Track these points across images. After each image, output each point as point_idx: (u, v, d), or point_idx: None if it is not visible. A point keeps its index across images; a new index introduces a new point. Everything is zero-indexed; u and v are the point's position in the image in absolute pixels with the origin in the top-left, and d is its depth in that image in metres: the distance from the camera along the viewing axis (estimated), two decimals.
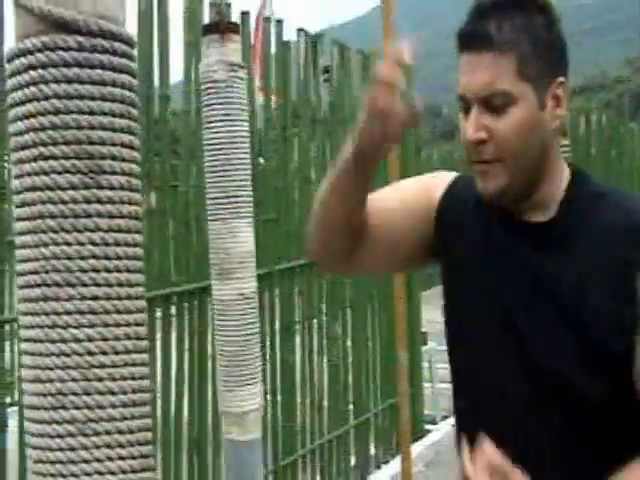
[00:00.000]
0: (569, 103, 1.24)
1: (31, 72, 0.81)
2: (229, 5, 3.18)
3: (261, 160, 3.72)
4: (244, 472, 2.06)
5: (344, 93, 4.39)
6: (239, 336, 2.05)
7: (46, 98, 0.81)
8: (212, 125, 2.06)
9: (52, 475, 0.80)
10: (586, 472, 1.18)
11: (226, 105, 2.02)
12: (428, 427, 5.20)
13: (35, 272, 0.82)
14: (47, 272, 0.81)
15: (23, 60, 0.82)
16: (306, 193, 3.92)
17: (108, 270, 0.82)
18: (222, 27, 2.05)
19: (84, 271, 0.81)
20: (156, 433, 2.92)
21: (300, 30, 3.91)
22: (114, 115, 0.82)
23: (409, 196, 1.37)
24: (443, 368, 5.75)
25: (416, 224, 1.34)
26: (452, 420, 4.83)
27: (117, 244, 0.83)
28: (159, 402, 2.99)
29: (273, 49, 3.74)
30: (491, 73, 1.19)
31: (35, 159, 0.81)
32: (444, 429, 5.14)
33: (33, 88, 0.81)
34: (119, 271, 0.83)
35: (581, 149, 9.27)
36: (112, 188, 0.82)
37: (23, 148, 0.82)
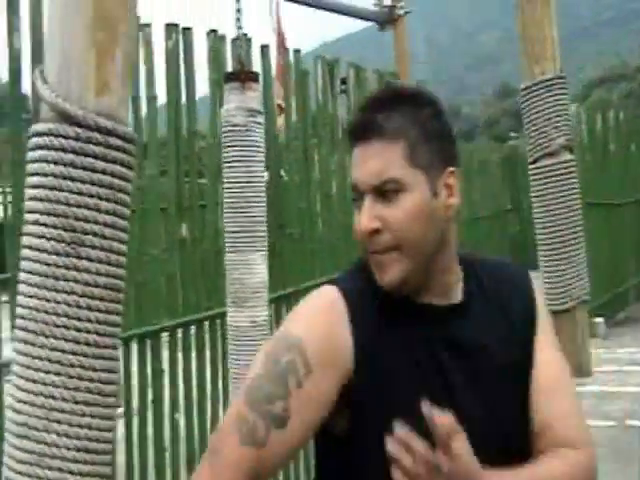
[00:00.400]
0: (459, 192, 1.23)
1: (39, 151, 1.00)
2: (249, 40, 3.39)
3: (283, 174, 3.90)
4: None
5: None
6: (250, 361, 2.23)
7: (46, 175, 0.98)
8: (231, 165, 2.25)
9: None
10: None
11: (244, 147, 2.21)
12: None
13: (21, 317, 0.99)
14: (29, 319, 0.97)
15: (36, 139, 1.01)
16: (327, 208, 4.12)
17: (78, 330, 0.96)
18: (242, 76, 2.23)
19: (56, 326, 0.96)
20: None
21: (318, 57, 4.11)
22: (100, 198, 0.98)
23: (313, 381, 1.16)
24: None
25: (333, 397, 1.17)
26: None
27: (89, 308, 0.97)
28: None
29: (293, 76, 3.95)
30: (382, 161, 1.18)
31: (34, 223, 0.99)
32: None
33: (39, 164, 1.00)
34: (88, 332, 0.97)
35: (599, 145, 9.35)
36: (90, 260, 0.97)
37: (28, 212, 1.00)
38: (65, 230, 0.97)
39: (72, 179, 0.98)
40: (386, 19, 2.98)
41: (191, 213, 3.33)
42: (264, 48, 3.68)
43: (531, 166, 2.14)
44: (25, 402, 0.96)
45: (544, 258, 2.15)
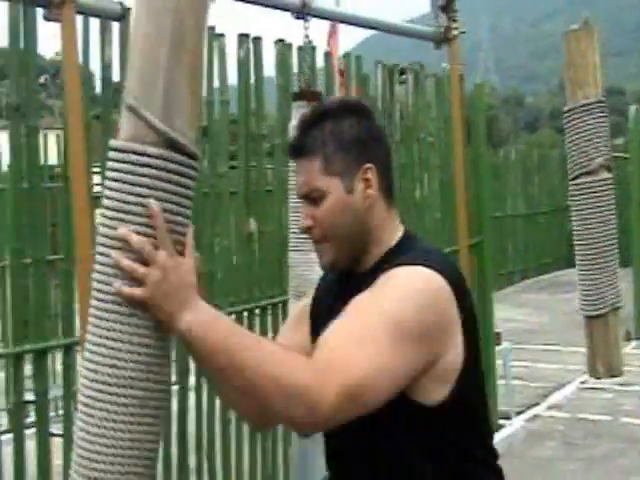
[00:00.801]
0: (383, 181, 1.49)
1: (120, 164, 1.26)
2: (314, 49, 3.63)
3: None
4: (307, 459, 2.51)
5: (419, 116, 4.78)
6: None
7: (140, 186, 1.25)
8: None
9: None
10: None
11: None
12: (502, 422, 5.53)
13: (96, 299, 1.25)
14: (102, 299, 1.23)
15: (117, 154, 1.27)
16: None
17: None
18: (308, 95, 2.47)
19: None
20: None
21: (378, 62, 4.33)
22: (172, 202, 1.25)
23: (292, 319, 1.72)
24: (516, 366, 6.08)
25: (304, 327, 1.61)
26: (526, 415, 5.19)
27: None
28: None
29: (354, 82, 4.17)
30: (304, 176, 1.50)
31: (111, 218, 1.25)
32: (518, 423, 5.46)
33: (117, 173, 1.27)
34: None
35: None
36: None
37: (106, 208, 1.26)
38: (146, 226, 1.24)
39: (163, 190, 1.25)
40: (442, 39, 3.16)
41: (259, 208, 3.61)
42: (327, 55, 3.92)
43: (571, 182, 2.34)
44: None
45: (581, 267, 2.35)
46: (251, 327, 3.55)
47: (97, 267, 1.26)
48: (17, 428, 2.60)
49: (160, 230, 1.21)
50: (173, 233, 1.26)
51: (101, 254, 1.26)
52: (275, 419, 1.55)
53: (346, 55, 4.26)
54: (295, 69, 3.68)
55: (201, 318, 1.23)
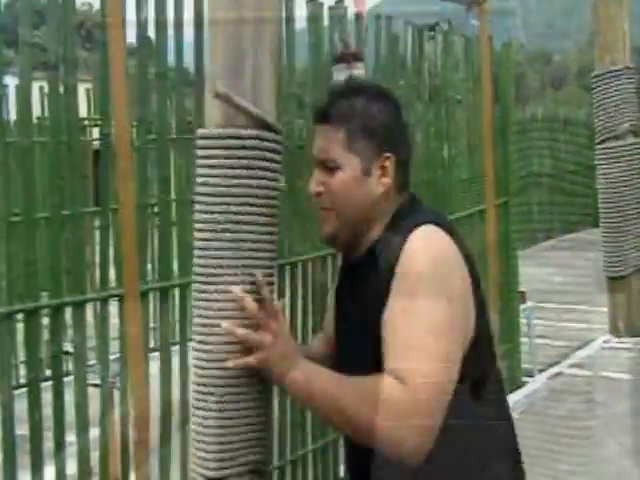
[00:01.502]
0: (399, 173, 1.52)
1: (216, 150, 1.38)
2: (346, 9, 3.66)
3: None
4: None
5: (447, 75, 4.79)
6: None
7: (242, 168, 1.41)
8: None
9: None
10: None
11: None
12: (525, 379, 5.63)
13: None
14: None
15: (211, 142, 1.38)
16: None
17: None
18: (349, 57, 2.53)
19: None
20: None
21: (407, 23, 4.34)
22: (267, 179, 1.42)
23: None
24: (540, 325, 6.16)
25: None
26: (548, 373, 5.26)
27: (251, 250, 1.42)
28: None
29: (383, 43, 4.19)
30: (325, 143, 1.53)
31: (208, 195, 1.42)
32: (540, 381, 5.57)
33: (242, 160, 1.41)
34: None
35: None
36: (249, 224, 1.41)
37: (200, 185, 1.41)
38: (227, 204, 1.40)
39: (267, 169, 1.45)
40: (472, 1, 3.18)
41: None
42: (358, 16, 3.93)
43: (598, 147, 2.39)
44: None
45: (606, 230, 2.42)
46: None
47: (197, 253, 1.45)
48: (56, 377, 2.70)
49: (267, 299, 1.43)
50: (267, 207, 1.46)
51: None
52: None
53: (377, 16, 4.27)
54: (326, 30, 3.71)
55: (304, 376, 1.40)
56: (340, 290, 1.66)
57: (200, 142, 1.45)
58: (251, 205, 1.41)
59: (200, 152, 1.44)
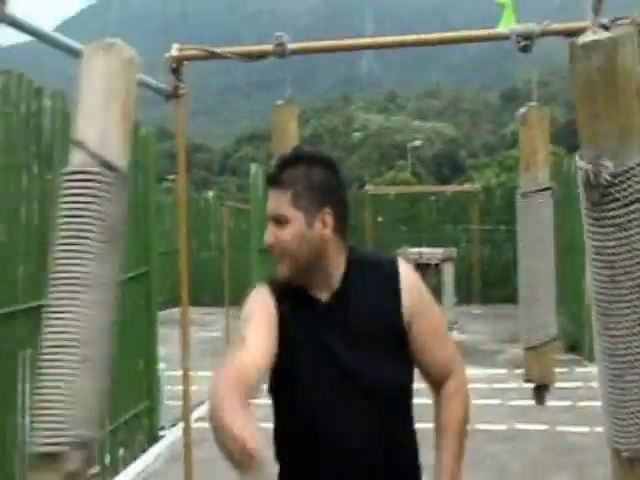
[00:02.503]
0: (338, 223, 1.79)
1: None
2: None
3: None
4: None
5: None
6: None
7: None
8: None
9: None
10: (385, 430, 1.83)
11: None
12: (161, 433, 6.16)
13: None
14: None
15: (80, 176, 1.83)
16: None
17: None
18: None
19: None
20: None
21: None
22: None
23: (264, 318, 1.80)
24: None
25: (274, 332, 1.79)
26: (178, 427, 5.87)
27: None
28: None
29: None
30: (276, 202, 1.80)
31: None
32: (174, 434, 6.14)
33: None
34: None
35: None
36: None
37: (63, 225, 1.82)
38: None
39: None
40: (171, 95, 3.74)
41: None
42: None
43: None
44: None
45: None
46: None
47: None
48: None
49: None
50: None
51: None
52: None
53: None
54: None
55: None
56: (316, 324, 1.81)
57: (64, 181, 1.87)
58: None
59: (64, 190, 1.86)
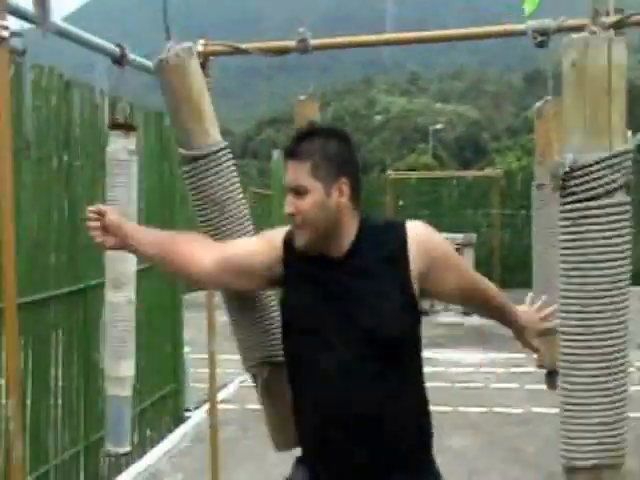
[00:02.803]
0: (353, 192, 1.91)
1: None
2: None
3: None
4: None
5: None
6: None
7: None
8: (115, 186, 3.07)
9: None
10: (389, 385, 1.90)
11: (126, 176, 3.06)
12: (186, 414, 6.36)
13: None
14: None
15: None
16: None
17: None
18: (127, 126, 3.09)
19: None
20: None
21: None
22: None
23: (258, 245, 2.08)
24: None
25: (265, 259, 2.02)
26: (203, 408, 6.08)
27: None
28: None
29: None
30: (295, 173, 1.91)
31: None
32: (198, 416, 6.34)
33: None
34: None
35: None
36: None
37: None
38: None
39: None
40: None
41: None
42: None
43: None
44: None
45: None
46: None
47: None
48: None
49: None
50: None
51: None
52: None
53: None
54: None
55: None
56: (322, 274, 1.95)
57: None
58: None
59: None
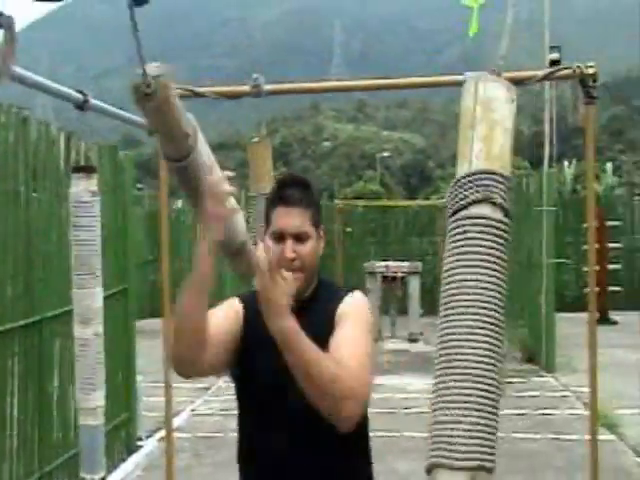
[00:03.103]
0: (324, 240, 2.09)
1: None
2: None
3: None
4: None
5: None
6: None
7: None
8: (78, 227, 3.23)
9: None
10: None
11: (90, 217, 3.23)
12: (139, 443, 6.44)
13: None
14: None
15: None
16: None
17: None
18: (88, 168, 3.27)
19: None
20: None
21: None
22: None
23: (223, 312, 2.06)
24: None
25: (232, 327, 2.03)
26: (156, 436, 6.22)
27: None
28: None
29: None
30: (299, 220, 2.00)
31: None
32: (151, 444, 6.43)
33: None
34: None
35: None
36: None
37: None
38: None
39: None
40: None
41: None
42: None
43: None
44: None
45: None
46: None
47: None
48: None
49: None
50: None
51: None
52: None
53: None
54: None
55: (296, 326, 1.78)
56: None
57: None
58: None
59: None
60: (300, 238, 2.02)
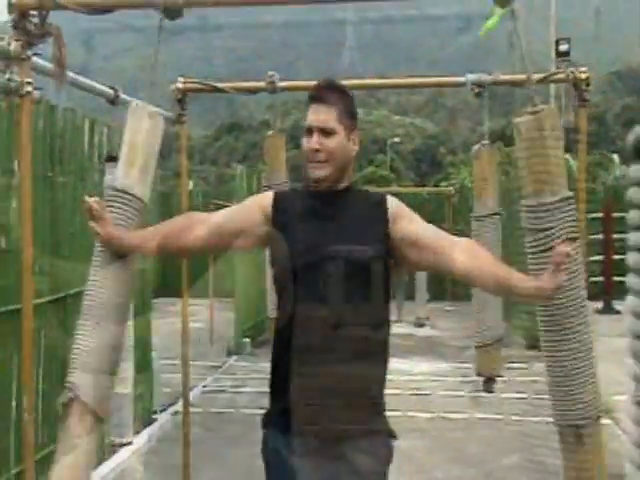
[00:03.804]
0: (359, 143, 2.26)
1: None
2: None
3: None
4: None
5: None
6: None
7: None
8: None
9: None
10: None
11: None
12: (154, 416, 6.74)
13: None
14: None
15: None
16: None
17: None
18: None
19: None
20: None
21: None
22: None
23: (246, 208, 2.33)
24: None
25: (255, 223, 2.26)
26: (169, 410, 6.52)
27: None
28: None
29: None
30: (326, 116, 2.20)
31: None
32: (164, 417, 6.72)
33: None
34: None
35: None
36: None
37: None
38: None
39: None
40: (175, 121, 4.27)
41: None
42: None
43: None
44: None
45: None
46: None
47: None
48: None
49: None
50: None
51: None
52: None
53: None
54: None
55: None
56: (304, 209, 2.25)
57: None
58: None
59: None
60: (326, 132, 2.21)
